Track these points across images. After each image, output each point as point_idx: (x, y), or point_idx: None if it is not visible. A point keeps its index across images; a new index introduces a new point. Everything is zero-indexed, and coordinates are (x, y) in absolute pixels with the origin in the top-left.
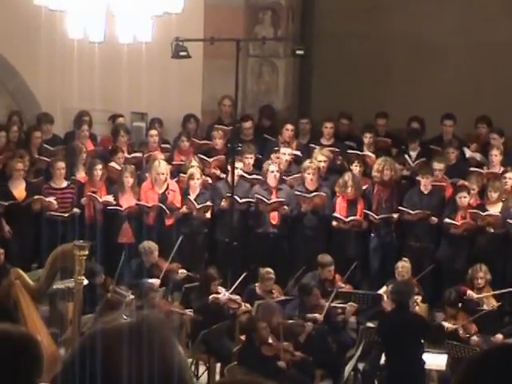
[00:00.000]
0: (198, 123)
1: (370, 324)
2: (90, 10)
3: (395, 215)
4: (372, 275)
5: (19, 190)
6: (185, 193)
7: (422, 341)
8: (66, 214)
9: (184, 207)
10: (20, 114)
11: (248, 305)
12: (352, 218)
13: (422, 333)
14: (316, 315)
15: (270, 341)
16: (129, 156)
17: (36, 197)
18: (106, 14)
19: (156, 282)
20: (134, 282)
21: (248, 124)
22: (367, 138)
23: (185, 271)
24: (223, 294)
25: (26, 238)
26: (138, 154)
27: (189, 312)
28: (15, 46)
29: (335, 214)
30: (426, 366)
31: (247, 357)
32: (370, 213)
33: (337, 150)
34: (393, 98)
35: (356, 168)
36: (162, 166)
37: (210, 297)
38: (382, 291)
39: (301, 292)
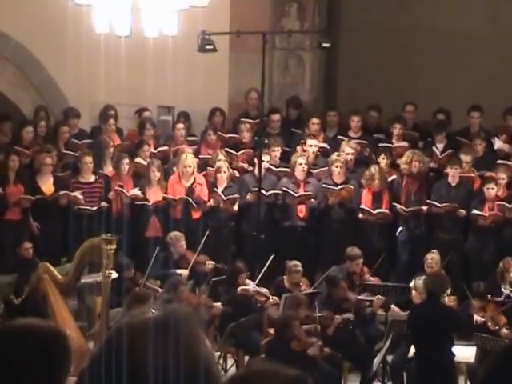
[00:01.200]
0: (224, 116)
1: (396, 308)
2: (116, 3)
3: (424, 208)
4: (400, 268)
5: (47, 185)
6: (212, 186)
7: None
8: (94, 208)
9: (211, 200)
10: (46, 109)
11: (276, 297)
12: (379, 210)
13: (453, 325)
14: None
15: (300, 336)
16: (155, 151)
17: (62, 192)
18: (132, 8)
19: (184, 272)
20: (163, 273)
21: (276, 117)
22: (396, 129)
23: (212, 262)
24: (251, 287)
25: (54, 233)
26: (165, 148)
27: (217, 305)
28: (42, 41)
29: (362, 206)
30: (456, 359)
31: (275, 350)
32: (399, 205)
33: (364, 141)
34: (419, 89)
35: (383, 160)
36: (188, 159)
37: (238, 290)
38: (410, 284)
39: (328, 285)
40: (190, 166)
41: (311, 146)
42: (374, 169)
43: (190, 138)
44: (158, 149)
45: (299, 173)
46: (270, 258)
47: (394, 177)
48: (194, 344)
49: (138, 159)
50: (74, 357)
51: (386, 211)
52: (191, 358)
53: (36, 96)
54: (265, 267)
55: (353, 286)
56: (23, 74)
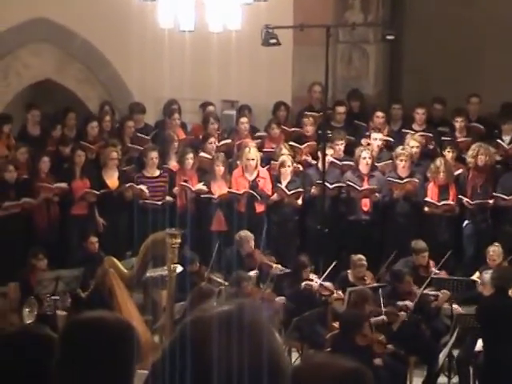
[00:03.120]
0: (289, 110)
1: (458, 308)
2: None
3: (491, 201)
4: (466, 262)
5: (113, 180)
6: (276, 180)
7: None
8: (159, 203)
9: (275, 195)
10: (111, 104)
11: (340, 292)
12: (444, 202)
13: None
14: (407, 302)
15: (365, 331)
16: (219, 144)
17: (127, 185)
18: (195, 3)
19: (253, 274)
20: (230, 271)
21: (341, 109)
22: (458, 122)
23: (280, 266)
24: (315, 281)
25: (119, 227)
26: (228, 141)
27: (281, 299)
28: (107, 37)
29: (427, 199)
30: None
31: (340, 345)
32: (465, 199)
33: (429, 134)
34: (485, 82)
35: (449, 154)
36: (252, 152)
37: (302, 284)
38: (475, 277)
39: (393, 279)
40: (253, 160)
41: (375, 139)
42: (439, 161)
43: (257, 135)
44: (222, 142)
45: (363, 166)
46: (334, 264)
47: (460, 170)
48: (265, 338)
49: (202, 153)
50: (140, 350)
51: (452, 203)
52: (262, 351)
53: (102, 92)
54: (329, 269)
55: (418, 280)
56: (89, 70)
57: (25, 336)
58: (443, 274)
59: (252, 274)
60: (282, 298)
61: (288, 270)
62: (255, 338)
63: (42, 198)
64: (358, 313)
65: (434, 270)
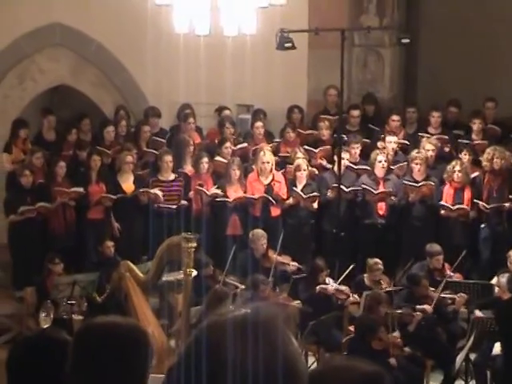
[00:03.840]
0: (303, 114)
1: (479, 313)
2: (196, 3)
3: (507, 204)
4: (482, 265)
5: (128, 184)
6: (291, 184)
7: None
8: (174, 207)
9: (290, 199)
10: (126, 109)
11: (356, 295)
12: (458, 206)
13: None
14: (425, 306)
15: (381, 335)
16: (235, 148)
17: (142, 189)
18: (211, 8)
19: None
20: (246, 274)
21: (356, 112)
22: (475, 124)
23: (296, 264)
24: (331, 285)
25: (135, 231)
26: (244, 145)
27: (297, 303)
28: (122, 42)
29: (442, 203)
30: None
31: (357, 349)
32: (481, 202)
33: (445, 137)
34: (502, 84)
35: (465, 157)
36: (266, 156)
37: (318, 287)
38: (493, 281)
39: (409, 283)
40: (268, 163)
41: (391, 142)
42: (455, 162)
43: (273, 141)
44: (238, 146)
45: (379, 170)
46: (351, 267)
47: (476, 174)
48: (282, 342)
49: (218, 157)
50: (156, 354)
51: (466, 207)
52: (278, 355)
53: (117, 96)
54: (345, 274)
55: (434, 283)
56: (105, 75)
57: (42, 340)
58: (458, 277)
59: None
60: (298, 301)
61: (304, 274)
62: (271, 341)
63: (58, 202)
64: (373, 317)
65: (448, 273)
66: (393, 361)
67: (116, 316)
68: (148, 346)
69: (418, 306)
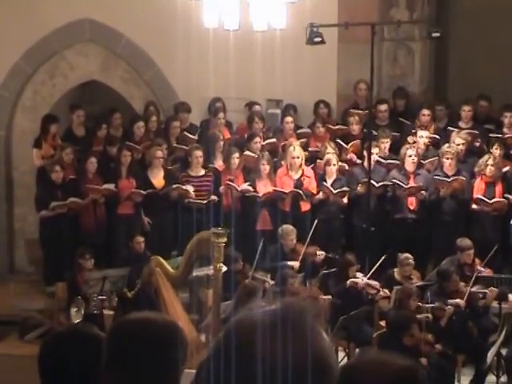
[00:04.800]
0: (330, 108)
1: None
2: None
3: None
4: None
5: (158, 179)
6: (321, 179)
7: None
8: (205, 201)
9: (320, 193)
10: (155, 104)
11: (386, 290)
12: (495, 199)
13: None
14: (458, 300)
15: (413, 331)
16: (264, 143)
17: (174, 186)
18: (240, 2)
19: (295, 264)
20: (273, 265)
21: (383, 107)
22: (507, 117)
23: (323, 253)
24: (361, 280)
25: (165, 226)
26: (273, 140)
27: (327, 298)
28: (152, 37)
29: (478, 196)
30: None
31: (388, 345)
32: None
33: (475, 132)
34: None
35: (496, 151)
36: (296, 151)
37: (348, 282)
38: None
39: (440, 277)
40: (298, 158)
41: (421, 137)
42: (488, 156)
43: (300, 131)
44: (267, 141)
45: (409, 164)
46: (382, 259)
47: (507, 168)
48: (313, 337)
49: (247, 152)
50: (187, 350)
51: (502, 200)
52: (310, 351)
53: (147, 92)
54: (376, 265)
55: (464, 278)
56: (134, 70)
57: (73, 335)
58: (488, 272)
59: (293, 264)
60: (329, 296)
61: (334, 269)
62: (302, 336)
63: (90, 198)
64: (406, 314)
65: (479, 268)
66: (423, 360)
67: (148, 312)
68: (182, 341)
69: (450, 301)
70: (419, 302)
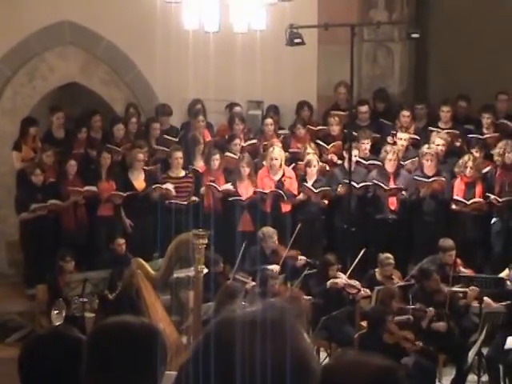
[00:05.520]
0: (312, 110)
1: (488, 300)
2: (205, 0)
3: None
4: (494, 259)
5: (139, 181)
6: (301, 180)
7: None
8: (186, 202)
9: (301, 194)
10: (136, 106)
11: (367, 290)
12: (473, 200)
13: None
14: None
15: (392, 328)
16: (245, 144)
17: (154, 186)
18: (220, 4)
19: (276, 267)
20: (254, 268)
21: (364, 108)
22: (485, 118)
23: (304, 258)
24: (341, 280)
25: (146, 228)
26: (254, 141)
27: (308, 298)
28: (132, 39)
29: (456, 197)
30: None
31: (368, 343)
32: (493, 196)
33: (456, 131)
34: None
35: (476, 153)
36: (275, 152)
37: (328, 282)
38: (503, 274)
39: (420, 276)
40: (276, 159)
41: (401, 139)
42: (467, 157)
43: (280, 132)
44: (247, 142)
45: (389, 165)
46: (362, 252)
47: (488, 168)
48: (294, 338)
49: (228, 154)
50: (169, 351)
51: (481, 201)
52: (290, 351)
53: (127, 94)
54: (356, 260)
55: (446, 278)
56: (115, 72)
57: (54, 337)
58: (470, 273)
59: (273, 267)
60: (310, 297)
61: (314, 270)
62: (282, 338)
63: (70, 200)
64: (382, 308)
65: (460, 268)
66: (407, 359)
67: (128, 315)
68: (161, 344)
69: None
70: (401, 302)
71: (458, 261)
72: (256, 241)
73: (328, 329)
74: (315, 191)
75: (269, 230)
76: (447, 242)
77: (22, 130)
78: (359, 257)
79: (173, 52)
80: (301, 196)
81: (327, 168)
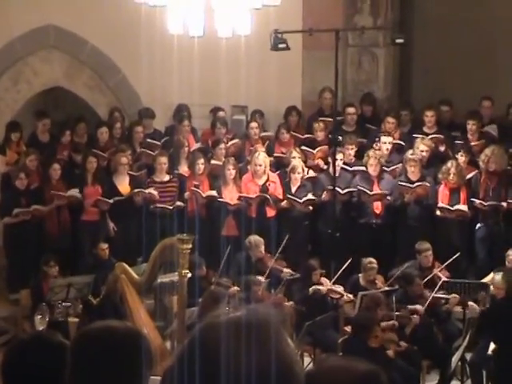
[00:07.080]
0: (300, 115)
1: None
2: (190, 4)
3: (504, 204)
4: (478, 265)
5: (124, 185)
6: (286, 185)
7: None
8: (171, 207)
9: (285, 202)
10: (120, 110)
11: (350, 295)
12: (457, 207)
13: None
14: (417, 306)
15: (377, 333)
16: (228, 144)
17: (137, 190)
18: (204, 9)
19: (261, 279)
20: (240, 277)
21: (351, 109)
22: (470, 124)
23: (290, 271)
24: (323, 286)
25: (130, 233)
26: (236, 141)
27: (292, 304)
28: (116, 43)
29: (440, 204)
30: None
31: (353, 348)
32: (478, 200)
33: (440, 136)
34: (497, 83)
35: (462, 158)
36: (259, 158)
37: (311, 289)
38: (487, 280)
39: (403, 281)
40: (260, 165)
41: (385, 143)
42: (450, 163)
43: (263, 134)
44: (231, 142)
45: (371, 169)
46: (348, 262)
47: (472, 173)
48: (278, 343)
49: (213, 161)
50: (152, 356)
51: (465, 208)
52: (274, 357)
53: (112, 98)
54: (341, 269)
55: (426, 282)
56: (99, 76)
57: (37, 342)
58: (446, 275)
59: (262, 279)
60: (292, 302)
61: (298, 275)
62: (266, 343)
63: (54, 205)
64: (369, 315)
65: (436, 271)
66: (390, 353)
67: (112, 320)
68: (145, 349)
69: (410, 306)
70: (385, 307)
71: (436, 263)
72: (240, 246)
73: (312, 334)
74: (300, 202)
75: (256, 239)
76: (423, 244)
77: (6, 134)
78: (344, 267)
79: (157, 56)
80: (284, 203)
81: (313, 173)
